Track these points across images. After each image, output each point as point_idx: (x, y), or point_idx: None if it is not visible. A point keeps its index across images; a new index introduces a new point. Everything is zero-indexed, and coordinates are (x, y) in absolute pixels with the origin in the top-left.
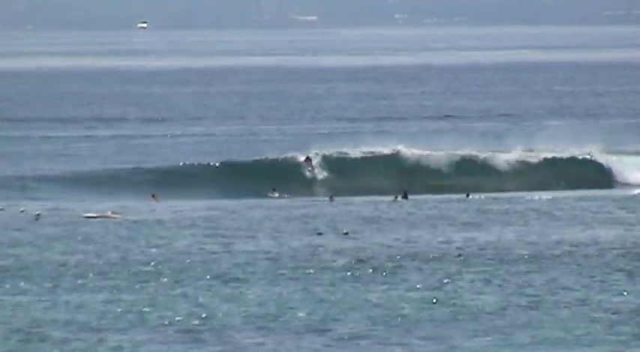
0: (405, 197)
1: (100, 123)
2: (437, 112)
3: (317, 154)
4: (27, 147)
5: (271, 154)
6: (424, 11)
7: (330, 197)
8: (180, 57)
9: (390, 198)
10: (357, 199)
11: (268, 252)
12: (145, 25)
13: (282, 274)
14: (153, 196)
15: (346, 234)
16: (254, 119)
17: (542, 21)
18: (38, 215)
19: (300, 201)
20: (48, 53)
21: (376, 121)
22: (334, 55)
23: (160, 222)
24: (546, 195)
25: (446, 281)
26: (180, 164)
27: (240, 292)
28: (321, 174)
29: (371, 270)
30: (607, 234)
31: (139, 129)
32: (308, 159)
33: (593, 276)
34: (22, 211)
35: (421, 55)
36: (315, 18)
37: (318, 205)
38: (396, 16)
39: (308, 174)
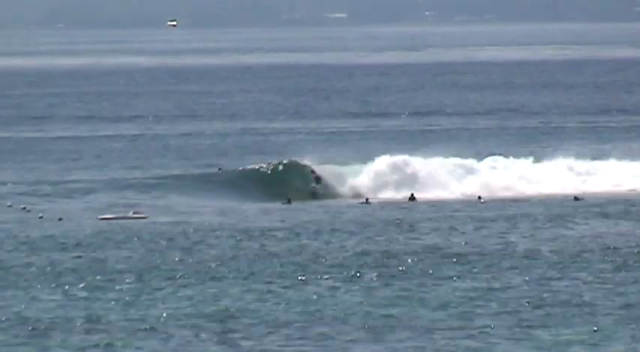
0: (412, 198)
1: (136, 123)
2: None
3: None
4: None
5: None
6: (454, 8)
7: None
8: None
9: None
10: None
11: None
12: (174, 23)
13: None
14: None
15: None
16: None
17: (572, 18)
18: (41, 217)
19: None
20: (77, 52)
21: None
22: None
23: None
24: None
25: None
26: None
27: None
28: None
29: None
30: None
31: (171, 127)
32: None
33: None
34: (24, 209)
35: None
36: (344, 15)
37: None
38: (426, 13)
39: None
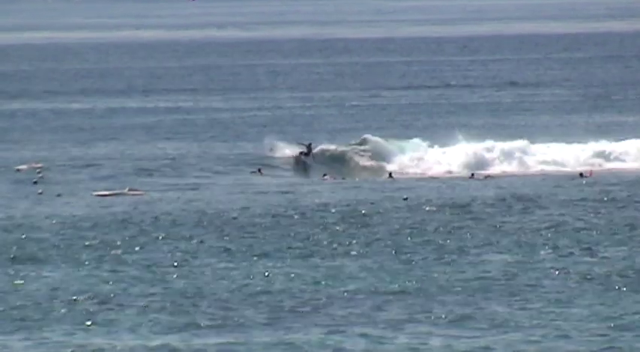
0: (390, 176)
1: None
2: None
3: None
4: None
5: None
6: None
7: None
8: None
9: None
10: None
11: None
12: None
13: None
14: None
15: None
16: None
17: None
18: (40, 192)
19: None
20: (96, 26)
21: None
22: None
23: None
24: None
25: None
26: None
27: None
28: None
29: None
30: None
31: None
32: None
33: None
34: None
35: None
36: None
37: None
38: None
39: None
